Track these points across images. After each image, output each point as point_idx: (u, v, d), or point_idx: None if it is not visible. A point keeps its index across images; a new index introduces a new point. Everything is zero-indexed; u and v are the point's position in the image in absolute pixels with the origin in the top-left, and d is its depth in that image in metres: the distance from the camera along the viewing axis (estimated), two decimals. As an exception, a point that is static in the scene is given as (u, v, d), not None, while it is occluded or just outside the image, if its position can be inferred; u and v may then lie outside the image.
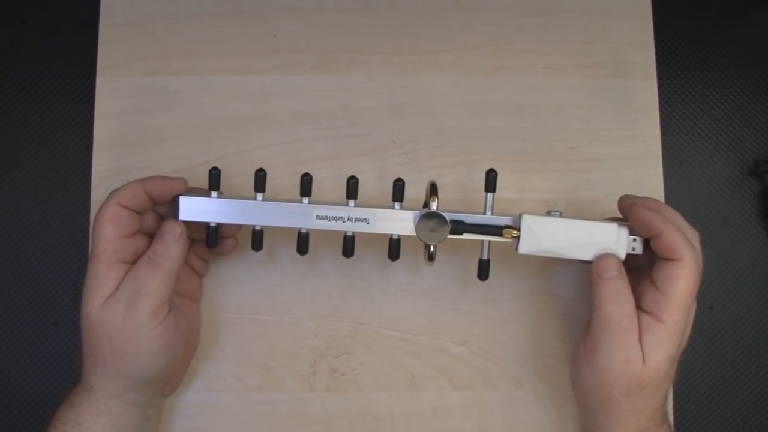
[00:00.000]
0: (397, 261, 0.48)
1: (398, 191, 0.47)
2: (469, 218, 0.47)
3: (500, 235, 0.46)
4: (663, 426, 0.45)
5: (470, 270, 0.53)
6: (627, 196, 0.48)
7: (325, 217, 0.47)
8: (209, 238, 0.48)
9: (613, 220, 0.48)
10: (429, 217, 0.46)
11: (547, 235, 0.46)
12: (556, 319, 0.54)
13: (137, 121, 0.55)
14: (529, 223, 0.46)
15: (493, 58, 0.57)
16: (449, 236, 0.46)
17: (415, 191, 0.53)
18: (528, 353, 0.54)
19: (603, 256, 0.45)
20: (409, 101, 0.56)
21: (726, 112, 0.58)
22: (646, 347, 0.43)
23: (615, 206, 0.48)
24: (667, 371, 0.43)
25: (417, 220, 0.46)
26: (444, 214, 0.46)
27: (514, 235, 0.46)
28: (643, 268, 0.46)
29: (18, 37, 0.57)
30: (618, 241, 0.45)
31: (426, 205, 0.47)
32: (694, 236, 0.45)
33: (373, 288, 0.54)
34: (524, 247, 0.46)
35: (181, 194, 0.46)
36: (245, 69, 0.56)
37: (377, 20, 0.57)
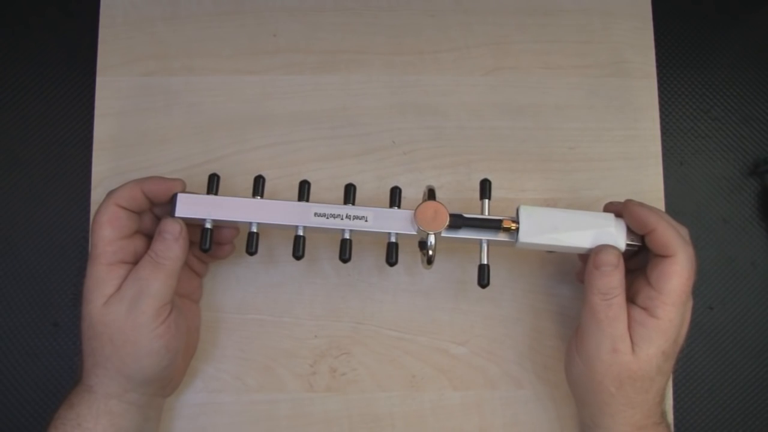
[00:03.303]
0: (395, 265, 0.48)
1: (396, 198, 0.46)
2: (468, 214, 0.46)
3: (499, 228, 0.46)
4: (661, 425, 0.45)
5: (469, 270, 0.53)
6: (611, 203, 0.48)
7: (323, 215, 0.46)
8: (203, 241, 0.46)
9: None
10: (428, 207, 0.45)
11: (545, 224, 0.46)
12: (555, 319, 0.54)
13: (137, 121, 0.55)
14: (527, 212, 0.46)
15: (493, 58, 0.57)
16: (448, 234, 0.46)
17: (415, 191, 0.53)
18: (528, 353, 0.54)
19: (603, 248, 0.45)
20: (409, 101, 0.56)
21: (726, 112, 0.58)
22: (637, 339, 0.43)
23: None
24: (660, 366, 0.43)
25: (416, 209, 0.45)
26: (443, 204, 0.45)
27: (513, 227, 0.46)
28: (640, 267, 0.46)
29: (18, 37, 0.57)
30: (617, 230, 0.45)
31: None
32: (683, 232, 0.45)
33: (373, 288, 0.54)
34: (524, 237, 0.46)
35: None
36: (245, 69, 0.56)
37: (377, 20, 0.57)
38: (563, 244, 0.46)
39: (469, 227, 0.46)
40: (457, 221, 0.46)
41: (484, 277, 0.47)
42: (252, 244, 0.47)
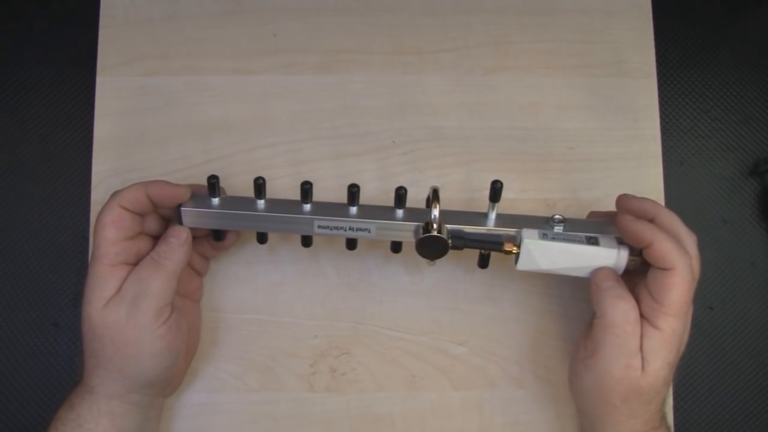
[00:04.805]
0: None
1: (400, 199, 0.46)
2: (470, 234, 0.46)
3: (500, 250, 0.46)
4: (660, 429, 0.45)
5: (471, 270, 0.53)
6: (624, 195, 0.47)
7: (327, 227, 0.46)
8: (215, 233, 0.49)
9: (610, 215, 0.48)
10: (430, 240, 0.45)
11: (546, 258, 0.45)
12: (556, 319, 0.54)
13: (137, 121, 0.55)
14: (529, 247, 0.45)
15: (493, 58, 0.57)
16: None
17: (415, 191, 0.53)
18: (528, 353, 0.54)
19: (599, 269, 0.45)
20: (409, 101, 0.56)
21: (726, 112, 0.58)
22: (645, 354, 0.43)
23: (614, 207, 0.48)
24: (666, 378, 0.43)
25: (417, 241, 0.45)
26: (443, 237, 0.45)
27: (514, 251, 0.46)
28: (639, 273, 0.45)
29: (18, 37, 0.57)
30: (617, 265, 0.45)
31: (428, 204, 0.47)
32: (690, 240, 0.44)
33: (373, 288, 0.54)
34: (522, 266, 0.46)
35: (183, 204, 0.46)
36: (245, 69, 0.56)
37: (377, 20, 0.57)
38: (562, 274, 0.46)
39: (471, 247, 0.46)
40: (459, 243, 0.46)
41: (484, 261, 0.48)
42: (262, 237, 0.49)
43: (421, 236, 0.45)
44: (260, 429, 0.53)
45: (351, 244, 0.48)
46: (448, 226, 0.46)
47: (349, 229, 0.46)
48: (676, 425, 0.54)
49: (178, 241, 0.45)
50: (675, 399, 0.55)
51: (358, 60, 0.56)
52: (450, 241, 0.45)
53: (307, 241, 0.48)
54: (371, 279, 0.54)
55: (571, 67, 0.57)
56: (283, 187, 0.54)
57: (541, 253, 0.45)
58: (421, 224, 0.46)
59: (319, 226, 0.46)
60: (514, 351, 0.54)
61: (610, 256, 0.45)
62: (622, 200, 0.47)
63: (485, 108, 0.56)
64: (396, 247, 0.48)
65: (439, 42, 0.57)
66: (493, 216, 0.47)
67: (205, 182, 0.47)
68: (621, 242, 0.45)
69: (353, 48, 0.56)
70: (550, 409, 0.53)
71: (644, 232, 0.43)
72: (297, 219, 0.46)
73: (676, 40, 0.59)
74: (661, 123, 0.56)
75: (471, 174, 0.55)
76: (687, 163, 0.57)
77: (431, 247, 0.45)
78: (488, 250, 0.46)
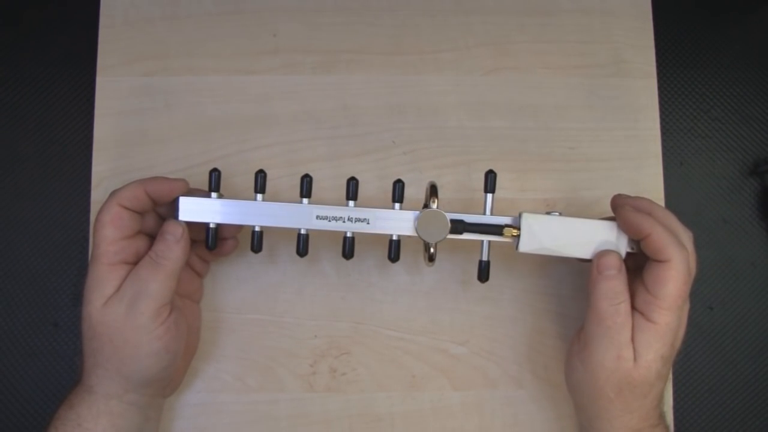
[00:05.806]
0: (397, 261, 0.48)
1: (398, 192, 0.47)
2: (470, 218, 0.47)
3: (501, 234, 0.46)
4: (659, 427, 0.45)
5: (470, 270, 0.53)
6: (619, 195, 0.48)
7: (325, 218, 0.47)
8: (208, 240, 0.48)
9: (611, 219, 0.48)
10: (429, 216, 0.46)
11: (547, 234, 0.46)
12: (555, 319, 0.54)
13: (137, 121, 0.55)
14: (529, 221, 0.46)
15: (493, 58, 0.57)
16: (450, 236, 0.46)
17: (415, 191, 0.53)
18: (528, 353, 0.54)
19: (605, 253, 0.45)
20: (409, 101, 0.56)
21: (726, 112, 0.58)
22: (638, 346, 0.43)
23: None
24: (659, 371, 0.43)
25: (417, 219, 0.46)
26: (444, 213, 0.46)
27: (515, 234, 0.46)
28: (639, 268, 0.46)
29: (18, 37, 0.57)
30: (619, 239, 0.45)
31: (426, 206, 0.47)
32: (686, 237, 0.45)
33: (373, 288, 0.54)
34: (524, 246, 0.46)
35: (182, 195, 0.46)
36: (245, 69, 0.56)
37: (377, 20, 0.57)
38: (564, 254, 0.46)
39: (471, 231, 0.46)
40: (459, 227, 0.46)
41: (483, 273, 0.48)
42: (257, 244, 0.48)
43: (422, 210, 0.45)
44: (260, 429, 0.53)
45: (348, 251, 0.48)
46: (447, 213, 0.46)
47: (348, 219, 0.46)
48: (676, 425, 0.54)
49: (173, 238, 0.45)
50: (675, 399, 0.55)
51: (358, 60, 0.56)
52: (450, 223, 0.45)
53: (302, 249, 0.48)
54: (371, 279, 0.54)
55: (571, 67, 0.57)
56: (282, 187, 0.54)
57: (543, 229, 0.45)
58: (421, 210, 0.46)
59: (317, 217, 0.46)
60: (513, 351, 0.54)
61: (611, 229, 0.45)
62: (617, 199, 0.47)
63: (485, 108, 0.56)
64: (395, 253, 0.48)
65: (439, 42, 0.57)
66: (489, 206, 0.47)
67: (203, 185, 0.48)
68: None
69: (353, 48, 0.56)
70: (549, 409, 0.53)
71: (643, 223, 0.43)
72: (295, 209, 0.46)
73: (676, 40, 0.59)
74: (661, 123, 0.56)
75: (471, 174, 0.55)
76: (687, 163, 0.57)
77: (432, 224, 0.46)
78: (488, 234, 0.47)
